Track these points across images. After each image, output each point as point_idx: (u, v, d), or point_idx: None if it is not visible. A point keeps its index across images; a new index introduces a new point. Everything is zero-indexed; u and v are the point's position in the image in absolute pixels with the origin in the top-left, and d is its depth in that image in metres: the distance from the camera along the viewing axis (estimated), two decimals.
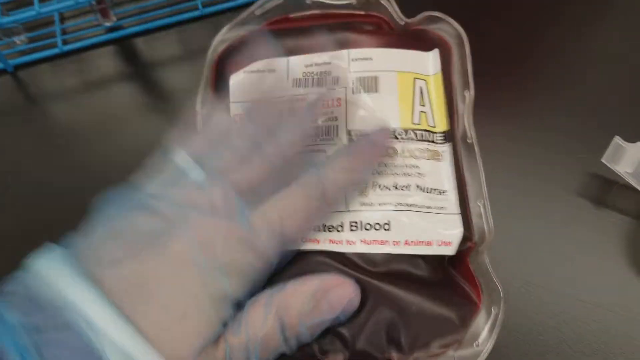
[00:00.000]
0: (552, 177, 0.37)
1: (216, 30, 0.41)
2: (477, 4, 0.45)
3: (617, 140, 0.35)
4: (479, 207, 0.33)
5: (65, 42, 0.47)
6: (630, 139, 0.35)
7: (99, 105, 0.44)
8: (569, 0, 0.45)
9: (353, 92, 0.36)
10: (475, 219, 0.33)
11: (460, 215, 0.32)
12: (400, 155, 0.34)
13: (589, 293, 0.34)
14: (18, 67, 0.46)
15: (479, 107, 0.37)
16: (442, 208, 0.33)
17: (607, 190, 0.37)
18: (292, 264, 0.31)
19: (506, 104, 0.40)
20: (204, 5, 0.47)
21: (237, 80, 0.38)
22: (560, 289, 0.34)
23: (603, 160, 0.35)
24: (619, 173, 0.35)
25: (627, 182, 0.35)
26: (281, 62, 0.38)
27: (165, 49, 0.46)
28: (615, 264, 0.35)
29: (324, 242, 0.31)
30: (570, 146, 0.38)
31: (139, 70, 0.45)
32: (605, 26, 0.44)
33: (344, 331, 0.30)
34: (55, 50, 0.46)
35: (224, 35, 0.40)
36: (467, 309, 0.31)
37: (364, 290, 0.30)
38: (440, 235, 0.32)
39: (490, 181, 0.35)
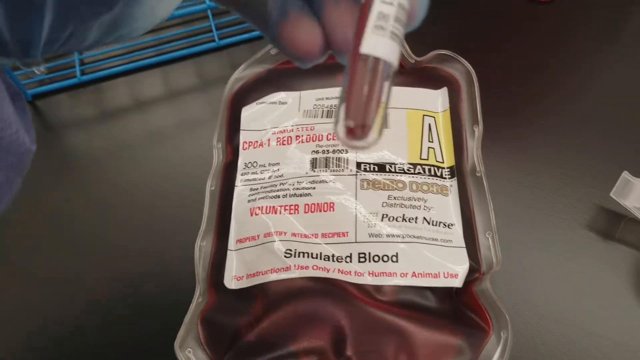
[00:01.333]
0: (561, 210, 0.38)
1: (232, 61, 0.42)
2: (485, 41, 0.45)
3: (626, 175, 0.35)
4: (487, 238, 0.34)
5: (83, 73, 0.48)
6: (639, 174, 0.35)
7: (115, 134, 0.45)
8: (578, 37, 0.46)
9: None
10: (483, 250, 0.34)
11: (466, 248, 0.33)
12: (408, 188, 0.34)
13: (596, 325, 0.34)
14: (36, 96, 0.47)
15: (489, 142, 0.38)
16: (449, 241, 0.33)
17: (615, 224, 0.37)
18: (301, 287, 0.31)
19: (516, 138, 0.41)
20: (220, 38, 0.48)
21: (249, 111, 0.39)
22: (568, 320, 0.34)
23: (612, 195, 0.36)
24: (627, 207, 0.35)
25: (635, 216, 0.35)
26: (293, 95, 0.39)
27: (182, 80, 0.47)
28: (622, 297, 0.35)
29: (333, 272, 0.32)
30: (580, 180, 0.39)
31: (155, 101, 0.46)
32: (615, 61, 0.45)
33: (353, 356, 0.30)
34: (74, 80, 0.47)
35: (240, 74, 0.41)
36: (477, 336, 0.31)
37: (373, 318, 0.30)
38: (447, 267, 0.32)
39: (500, 213, 0.35)
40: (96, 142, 0.44)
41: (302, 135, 0.37)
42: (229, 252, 0.34)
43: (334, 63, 0.40)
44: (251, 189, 0.36)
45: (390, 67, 0.16)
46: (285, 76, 0.40)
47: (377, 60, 0.16)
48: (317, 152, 0.36)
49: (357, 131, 0.16)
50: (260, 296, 0.32)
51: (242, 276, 0.33)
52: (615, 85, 0.43)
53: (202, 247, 0.35)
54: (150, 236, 0.38)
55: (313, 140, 0.37)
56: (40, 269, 0.38)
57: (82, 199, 0.41)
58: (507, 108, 0.42)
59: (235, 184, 0.36)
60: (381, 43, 0.16)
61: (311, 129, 0.37)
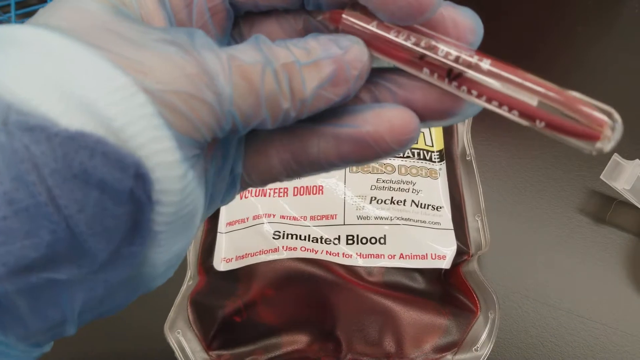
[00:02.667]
0: (552, 193, 0.38)
1: None
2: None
3: (616, 157, 0.35)
4: (477, 221, 0.34)
5: None
6: (629, 156, 0.35)
7: None
8: (571, 20, 0.46)
9: None
10: (472, 233, 0.34)
11: (454, 230, 0.33)
12: (397, 172, 0.35)
13: (586, 308, 0.34)
14: None
15: (479, 125, 0.38)
16: (437, 223, 0.33)
17: (605, 206, 0.37)
18: (289, 268, 0.32)
19: (506, 122, 0.41)
20: None
21: None
22: (557, 303, 0.34)
23: (602, 178, 0.36)
24: (617, 190, 0.35)
25: (626, 198, 0.35)
26: None
27: None
28: (612, 279, 0.35)
29: (321, 254, 0.32)
30: (570, 163, 0.39)
31: None
32: (607, 44, 0.45)
33: (340, 336, 0.30)
34: None
35: None
36: (464, 316, 0.31)
37: (361, 299, 0.31)
38: (435, 249, 0.32)
39: (490, 196, 0.35)
40: None
41: None
42: (218, 234, 0.34)
43: None
44: None
45: None
46: None
47: None
48: None
49: None
50: (249, 277, 0.32)
51: (232, 258, 0.33)
52: (607, 67, 0.43)
53: None
54: None
55: None
56: None
57: None
58: None
59: None
60: None
61: None
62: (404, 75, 0.18)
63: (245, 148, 0.20)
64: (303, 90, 0.17)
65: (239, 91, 0.16)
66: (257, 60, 0.17)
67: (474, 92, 0.16)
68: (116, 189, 0.15)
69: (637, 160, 0.35)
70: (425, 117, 0.18)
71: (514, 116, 0.16)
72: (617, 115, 0.15)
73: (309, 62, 0.18)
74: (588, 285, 0.35)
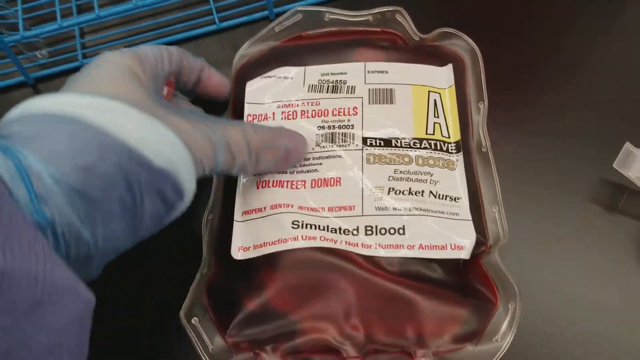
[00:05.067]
0: (564, 183, 0.38)
1: (233, 42, 0.42)
2: (489, 19, 0.46)
3: (628, 146, 0.36)
4: (494, 212, 0.34)
5: (85, 56, 0.48)
6: None
7: None
8: (580, 12, 0.46)
9: (369, 103, 0.37)
10: (490, 224, 0.34)
11: (472, 221, 0.33)
12: (414, 163, 0.35)
13: (602, 297, 0.34)
14: (38, 79, 0.47)
15: (494, 117, 0.38)
16: (455, 214, 0.33)
17: (618, 195, 0.37)
18: (308, 257, 0.32)
19: (519, 113, 0.41)
20: (221, 20, 0.48)
21: (254, 85, 0.39)
22: (573, 292, 0.34)
23: (614, 166, 0.36)
24: (630, 178, 0.36)
25: (638, 187, 0.36)
26: (298, 70, 0.39)
27: None
28: (626, 268, 0.35)
29: (341, 244, 0.32)
30: (583, 152, 0.39)
31: None
32: (617, 34, 0.45)
33: (361, 325, 0.30)
34: (76, 64, 0.47)
35: (245, 51, 0.41)
36: (484, 307, 0.31)
37: (380, 288, 0.31)
38: (454, 240, 0.33)
39: (505, 187, 0.36)
40: None
41: (308, 111, 0.37)
42: (235, 223, 0.34)
43: (338, 40, 0.41)
44: None
45: None
46: (289, 53, 0.41)
47: None
48: (322, 127, 0.36)
49: None
50: (267, 266, 0.32)
51: (249, 247, 0.33)
52: (618, 57, 0.43)
53: (209, 219, 0.35)
54: None
55: (319, 116, 0.37)
56: None
57: None
58: (510, 85, 0.42)
59: None
60: None
61: (317, 104, 0.37)
62: None
63: None
64: (261, 164, 0.33)
65: (225, 157, 0.30)
66: (240, 141, 0.31)
67: None
68: (169, 198, 0.28)
69: None
70: None
71: None
72: None
73: (273, 145, 0.33)
74: (603, 273, 0.35)
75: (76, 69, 0.47)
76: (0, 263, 0.18)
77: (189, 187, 0.29)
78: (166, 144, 0.27)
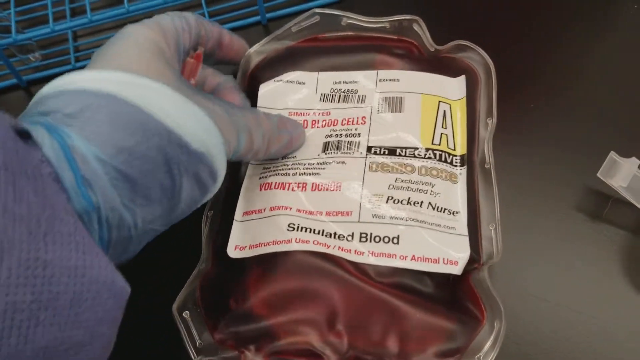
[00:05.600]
0: (550, 191, 0.38)
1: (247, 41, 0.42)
2: (506, 33, 0.46)
3: (613, 155, 0.36)
4: (490, 230, 0.34)
5: (77, 60, 0.48)
6: (625, 154, 0.36)
7: None
8: (569, 26, 0.46)
9: (378, 112, 0.37)
10: (485, 242, 0.34)
11: (468, 237, 0.33)
12: (417, 172, 0.35)
13: (584, 304, 0.35)
14: (31, 82, 0.48)
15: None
16: (452, 228, 0.33)
17: (603, 204, 0.38)
18: (299, 260, 0.32)
19: (509, 122, 0.41)
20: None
21: (266, 88, 0.39)
22: (558, 301, 0.35)
23: (599, 175, 0.36)
24: (613, 187, 0.36)
25: (622, 196, 0.36)
26: (311, 76, 0.39)
27: None
28: (611, 277, 0.36)
29: (333, 249, 0.32)
30: (568, 161, 0.39)
31: None
32: (604, 48, 0.45)
33: (344, 331, 0.30)
34: (68, 67, 0.48)
35: (260, 47, 0.41)
36: (470, 324, 0.31)
37: (368, 296, 0.31)
38: (448, 254, 0.33)
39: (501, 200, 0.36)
40: None
41: (318, 120, 0.38)
42: (235, 222, 0.35)
43: (354, 45, 0.41)
44: (264, 167, 0.37)
45: None
46: (304, 54, 0.41)
47: None
48: (330, 135, 0.37)
49: None
50: (259, 266, 0.33)
51: (245, 246, 0.34)
52: (603, 68, 0.44)
53: (209, 216, 0.36)
54: None
55: (328, 125, 0.37)
56: None
57: None
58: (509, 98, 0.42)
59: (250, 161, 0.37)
60: None
61: (327, 114, 0.38)
62: None
63: None
64: (271, 149, 0.34)
65: (246, 142, 0.31)
66: (257, 127, 0.32)
67: None
68: (204, 181, 0.28)
69: (633, 158, 0.36)
70: None
71: None
72: None
73: (279, 133, 0.35)
74: (586, 281, 0.36)
75: (68, 72, 0.47)
76: (42, 254, 0.18)
77: (222, 170, 0.29)
78: (202, 127, 0.27)
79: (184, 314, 0.32)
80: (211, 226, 0.36)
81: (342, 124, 0.37)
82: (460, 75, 0.39)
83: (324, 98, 0.39)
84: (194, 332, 0.32)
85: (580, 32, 0.46)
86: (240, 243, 0.34)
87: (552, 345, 0.34)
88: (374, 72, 0.39)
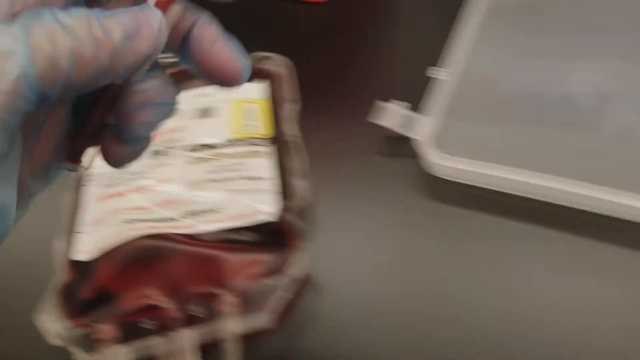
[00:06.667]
0: (347, 147, 0.49)
1: None
2: (298, 42, 0.57)
3: (379, 103, 0.46)
4: (303, 183, 0.43)
5: None
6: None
7: None
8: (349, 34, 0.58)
9: (194, 118, 0.46)
10: (298, 192, 0.43)
11: (280, 193, 0.42)
12: (229, 158, 0.43)
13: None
14: None
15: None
16: (262, 190, 0.42)
17: (379, 140, 0.48)
18: (137, 244, 0.39)
19: (312, 105, 0.51)
20: None
21: None
22: (359, 228, 0.44)
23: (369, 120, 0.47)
24: (384, 126, 0.46)
25: (394, 132, 0.46)
26: None
27: None
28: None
29: (168, 229, 0.40)
30: (356, 126, 0.49)
31: None
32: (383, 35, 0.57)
33: (179, 287, 0.37)
34: None
35: None
36: (284, 252, 0.39)
37: (197, 254, 0.38)
38: (261, 208, 0.41)
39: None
40: None
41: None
42: (79, 234, 0.41)
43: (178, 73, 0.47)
44: (105, 184, 0.43)
45: None
46: None
47: None
48: (158, 144, 0.44)
49: None
50: (104, 260, 0.39)
51: (92, 249, 0.39)
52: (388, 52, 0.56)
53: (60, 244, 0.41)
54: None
55: (157, 137, 0.44)
56: None
57: None
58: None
59: (83, 184, 0.43)
60: None
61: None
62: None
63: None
64: (109, 40, 0.19)
65: (36, 70, 0.18)
66: (45, 45, 0.18)
67: None
68: None
69: (394, 101, 0.46)
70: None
71: None
72: None
73: (109, 14, 0.20)
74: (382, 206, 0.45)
75: None
76: None
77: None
78: None
79: (42, 317, 0.37)
80: (62, 250, 0.41)
81: (166, 134, 0.45)
82: (266, 79, 0.49)
83: None
84: (50, 326, 0.36)
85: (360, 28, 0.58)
86: (87, 248, 0.40)
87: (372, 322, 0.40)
88: (194, 91, 0.48)
